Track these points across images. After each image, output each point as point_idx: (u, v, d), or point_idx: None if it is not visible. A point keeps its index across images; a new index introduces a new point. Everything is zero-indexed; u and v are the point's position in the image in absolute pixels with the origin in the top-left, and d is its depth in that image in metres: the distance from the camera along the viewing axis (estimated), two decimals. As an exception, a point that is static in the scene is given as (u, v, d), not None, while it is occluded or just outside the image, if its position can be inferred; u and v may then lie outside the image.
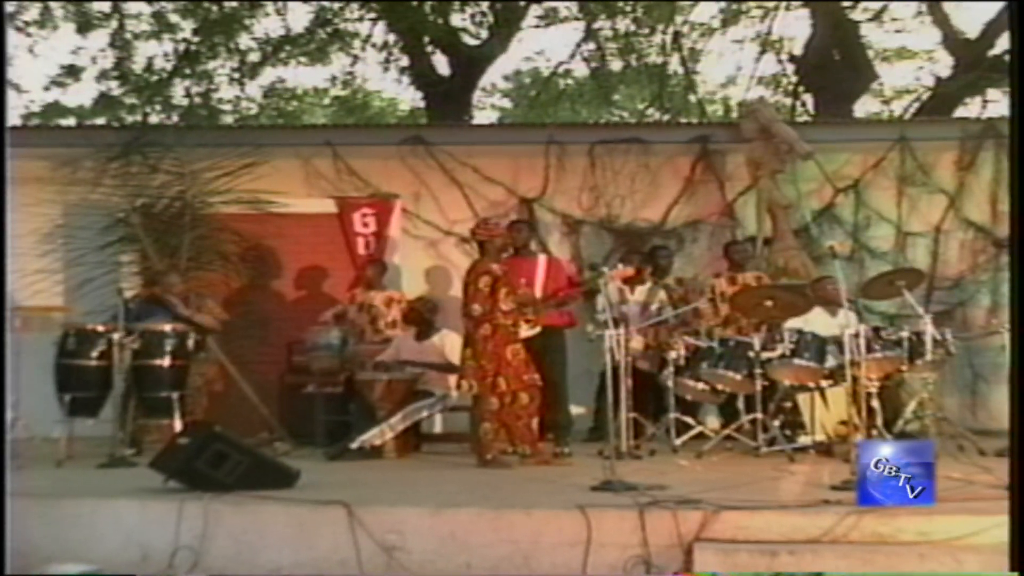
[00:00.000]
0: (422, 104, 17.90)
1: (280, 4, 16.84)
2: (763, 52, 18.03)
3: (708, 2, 17.75)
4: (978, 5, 15.75)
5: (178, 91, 17.87)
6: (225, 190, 9.67)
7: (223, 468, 5.76)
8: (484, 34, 16.86)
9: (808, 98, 17.11)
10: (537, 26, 17.74)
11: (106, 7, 16.90)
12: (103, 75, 18.07)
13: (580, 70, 18.96)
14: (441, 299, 9.26)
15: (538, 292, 8.12)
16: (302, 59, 18.06)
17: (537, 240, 10.21)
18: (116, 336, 7.71)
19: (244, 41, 17.36)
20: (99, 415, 7.91)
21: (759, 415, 7.71)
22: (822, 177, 10.60)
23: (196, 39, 16.94)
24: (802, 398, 7.99)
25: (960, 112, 15.54)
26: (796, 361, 7.66)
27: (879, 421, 7.42)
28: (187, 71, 17.34)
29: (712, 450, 7.72)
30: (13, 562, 5.02)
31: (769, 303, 7.94)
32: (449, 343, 8.33)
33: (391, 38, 17.09)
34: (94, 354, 7.88)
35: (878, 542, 4.98)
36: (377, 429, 7.98)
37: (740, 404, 8.13)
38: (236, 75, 17.77)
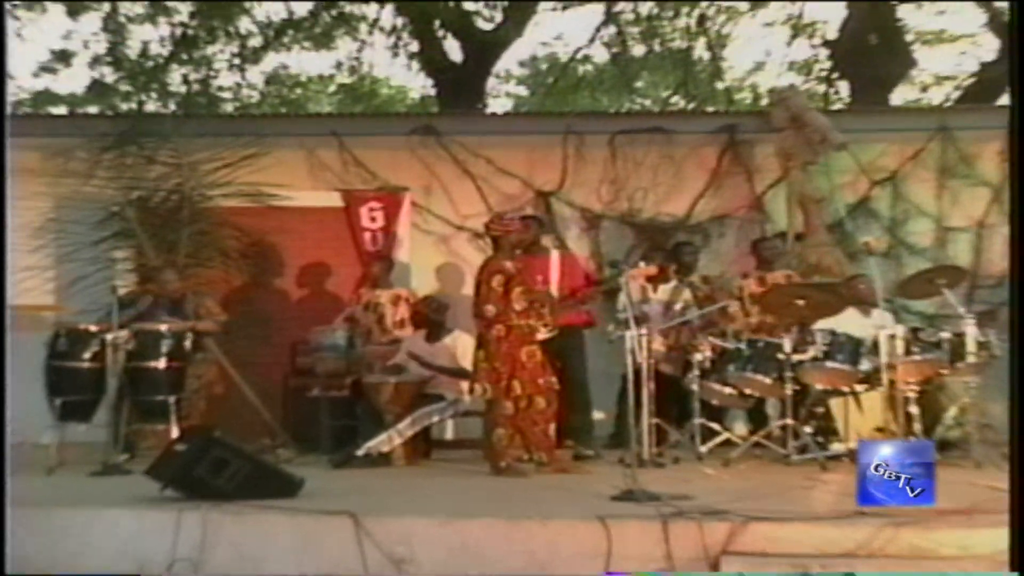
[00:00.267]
0: (433, 92, 17.90)
1: (283, -15, 16.89)
2: (794, 36, 18.01)
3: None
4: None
5: (175, 78, 17.95)
6: (225, 182, 9.69)
7: (223, 476, 5.78)
8: (498, 17, 16.84)
9: (842, 85, 17.07)
10: (554, 9, 17.74)
11: (99, -12, 17.00)
12: (96, 61, 18.14)
13: (600, 55, 18.97)
14: (452, 298, 9.26)
15: (554, 290, 8.14)
16: (306, 44, 18.12)
17: (554, 236, 10.23)
18: (109, 336, 7.74)
19: (244, 25, 17.41)
20: (92, 420, 7.94)
21: (789, 421, 7.68)
22: (857, 169, 10.58)
23: (194, 23, 16.98)
24: (835, 403, 7.99)
25: (1005, 100, 15.48)
26: (829, 364, 7.66)
27: (917, 428, 7.40)
28: (184, 56, 17.39)
29: (740, 458, 7.71)
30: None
31: (800, 302, 7.93)
32: (461, 344, 8.35)
33: (400, 22, 17.08)
34: (86, 355, 7.91)
35: (917, 556, 4.97)
36: (385, 435, 7.99)
37: (769, 409, 8.11)
38: (236, 61, 17.82)
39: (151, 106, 17.47)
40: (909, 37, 17.06)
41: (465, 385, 7.99)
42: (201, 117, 12.72)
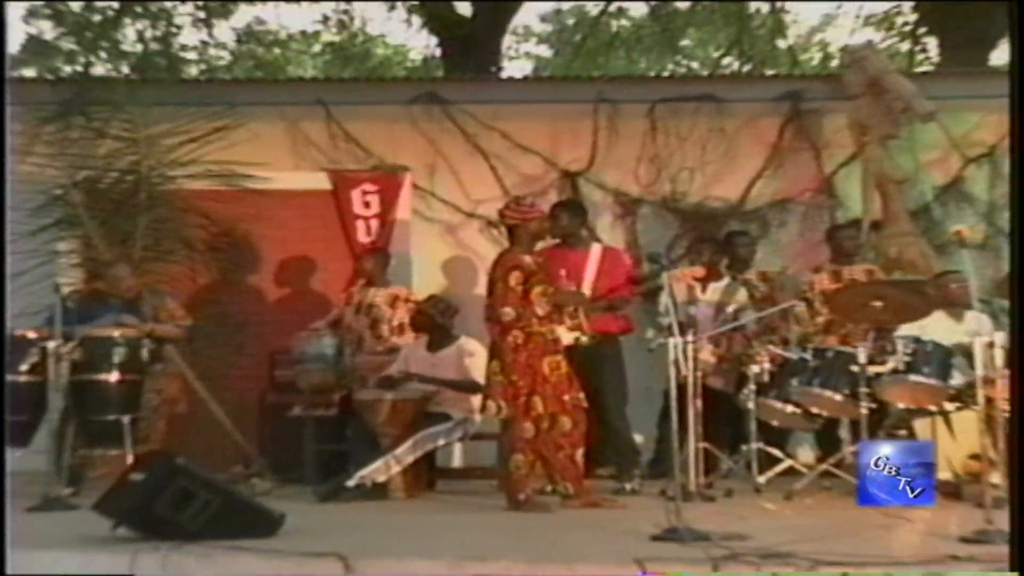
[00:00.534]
0: (437, 52, 17.93)
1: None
2: (872, -17, 18.01)
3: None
4: None
5: (129, 34, 17.99)
6: (190, 161, 9.74)
7: (187, 511, 5.79)
8: (516, -38, 16.89)
9: (930, 42, 17.03)
10: (583, -47, 17.79)
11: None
12: (31, 14, 18.20)
13: (638, 8, 19.00)
14: (461, 298, 9.27)
15: (587, 290, 8.12)
16: (285, -7, 18.19)
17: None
18: (51, 344, 7.75)
19: (211, -29, 17.49)
20: (30, 444, 7.95)
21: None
22: (947, 143, 10.57)
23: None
24: (920, 425, 7.97)
25: None
26: (912, 377, 7.64)
27: (1021, 455, 7.38)
28: (139, 10, 17.42)
29: (805, 490, 7.70)
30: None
31: (878, 303, 7.90)
32: (471, 354, 8.36)
33: (398, -33, 17.17)
34: (23, 367, 7.94)
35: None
36: (381, 461, 8.00)
37: (841, 432, 8.09)
38: (202, 15, 17.86)
39: (100, 69, 17.53)
40: (1012, -15, 16.97)
41: (476, 402, 8.01)
42: (160, 82, 12.77)
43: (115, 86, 10.89)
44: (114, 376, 8.08)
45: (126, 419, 8.02)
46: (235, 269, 10.43)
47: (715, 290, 9.06)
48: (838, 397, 7.84)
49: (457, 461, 9.39)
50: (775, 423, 8.33)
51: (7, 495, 5.38)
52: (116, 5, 17.26)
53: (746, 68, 18.02)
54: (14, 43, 19.12)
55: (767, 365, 8.15)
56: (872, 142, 10.08)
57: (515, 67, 21.29)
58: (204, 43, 18.69)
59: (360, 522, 6.82)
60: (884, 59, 10.90)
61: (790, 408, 8.12)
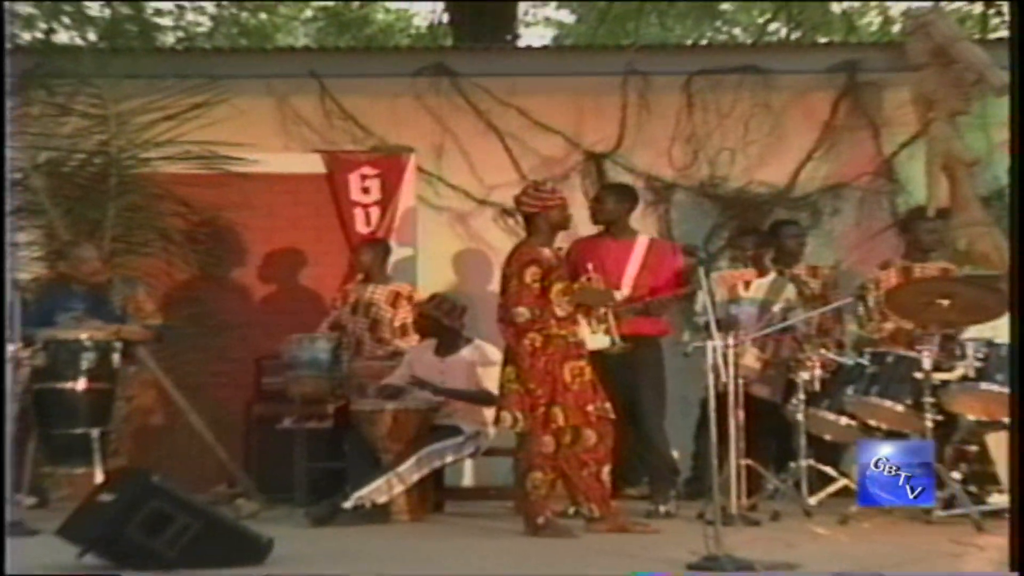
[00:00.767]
0: (445, 18, 17.95)
1: None
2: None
3: None
4: None
5: (95, -2, 18.03)
6: (166, 141, 9.79)
7: (163, 535, 5.81)
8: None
9: (1006, 5, 17.00)
10: (610, -95, 17.79)
11: None
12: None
13: (673, -33, 18.98)
14: (472, 297, 9.31)
15: (627, 287, 8.10)
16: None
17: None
18: (10, 348, 7.71)
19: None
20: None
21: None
22: (1024, 120, 10.56)
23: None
24: (993, 439, 7.98)
25: None
26: (984, 386, 7.66)
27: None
28: (109, -32, 17.49)
29: (862, 513, 7.71)
30: None
31: (944, 302, 7.88)
32: (483, 359, 8.38)
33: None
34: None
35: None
36: (382, 480, 8.02)
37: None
38: (179, -25, 17.91)
39: (64, 36, 17.54)
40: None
41: (489, 414, 8.03)
42: (132, 52, 12.77)
43: (81, 56, 10.88)
44: (81, 384, 8.12)
45: (95, 432, 8.06)
46: (217, 263, 10.46)
47: (760, 287, 9.05)
48: (899, 408, 7.85)
49: (468, 480, 9.42)
50: (827, 437, 8.35)
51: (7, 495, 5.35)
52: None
53: (795, 35, 18.01)
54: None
55: (818, 371, 8.17)
56: (939, 119, 10.06)
57: (533, 35, 21.27)
58: (180, 7, 18.70)
59: (358, 548, 6.87)
60: (953, 24, 10.88)
61: (844, 420, 8.15)
